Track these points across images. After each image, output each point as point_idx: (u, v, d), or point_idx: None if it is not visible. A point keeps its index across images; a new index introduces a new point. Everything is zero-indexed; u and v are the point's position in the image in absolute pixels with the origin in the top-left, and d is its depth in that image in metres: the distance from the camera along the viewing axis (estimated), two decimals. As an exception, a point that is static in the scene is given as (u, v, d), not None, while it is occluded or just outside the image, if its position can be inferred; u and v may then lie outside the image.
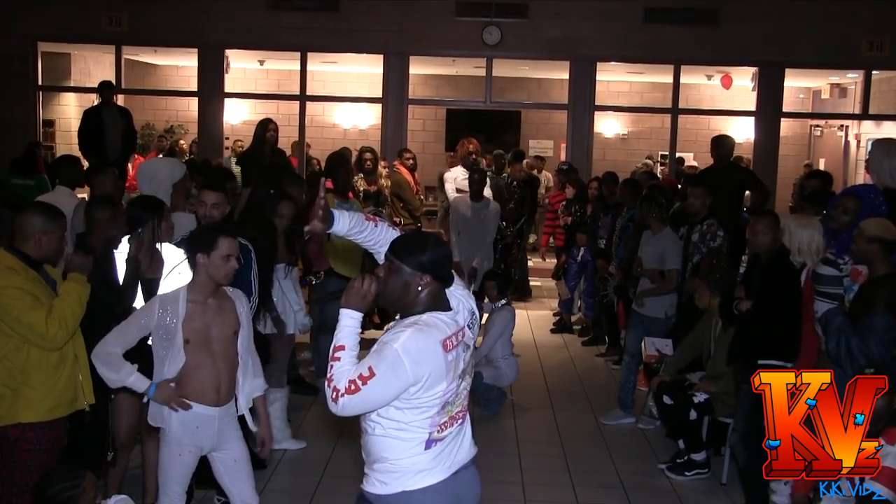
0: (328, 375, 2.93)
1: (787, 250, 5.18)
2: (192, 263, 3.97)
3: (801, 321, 5.06)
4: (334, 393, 2.90)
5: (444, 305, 3.02)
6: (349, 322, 2.99)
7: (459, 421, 3.10)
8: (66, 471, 3.52)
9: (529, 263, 11.89)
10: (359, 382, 2.86)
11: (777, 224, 5.15)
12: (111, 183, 5.99)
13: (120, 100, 11.30)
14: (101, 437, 4.61)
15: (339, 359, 2.93)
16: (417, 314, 2.97)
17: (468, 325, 3.08)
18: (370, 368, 2.86)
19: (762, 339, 5.06)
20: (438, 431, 3.00)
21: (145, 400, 4.02)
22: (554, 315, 10.48)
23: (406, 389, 2.89)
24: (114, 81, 11.68)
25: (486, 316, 7.42)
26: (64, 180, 6.94)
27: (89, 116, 10.50)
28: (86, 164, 9.06)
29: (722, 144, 8.45)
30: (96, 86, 11.24)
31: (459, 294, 3.13)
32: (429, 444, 3.00)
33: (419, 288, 2.96)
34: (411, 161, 10.42)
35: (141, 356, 4.02)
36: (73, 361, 4.15)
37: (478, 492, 3.20)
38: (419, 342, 2.88)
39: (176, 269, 4.63)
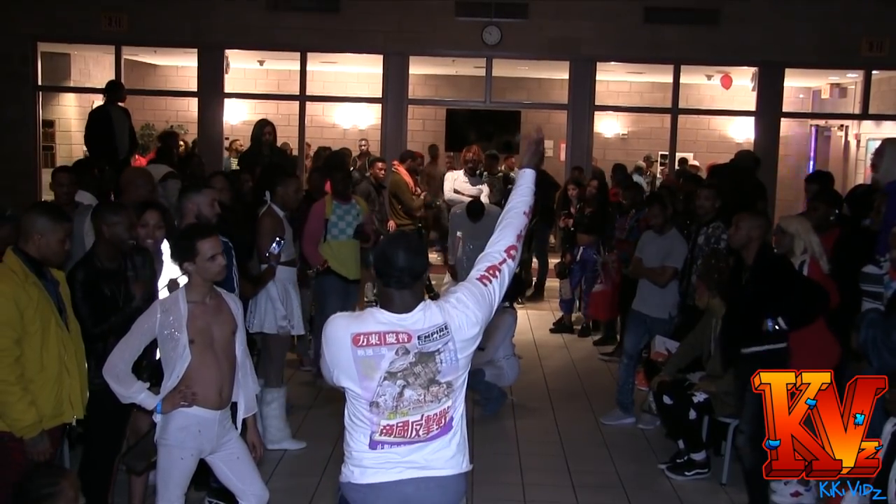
0: None
1: (769, 247, 5.27)
2: (183, 271, 4.07)
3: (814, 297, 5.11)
4: None
5: (392, 305, 3.02)
6: None
7: (424, 435, 3.01)
8: (46, 470, 3.51)
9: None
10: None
11: (764, 225, 5.22)
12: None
13: (120, 100, 11.23)
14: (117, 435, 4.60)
15: None
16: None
17: (423, 337, 2.98)
18: None
19: (751, 329, 5.10)
20: (381, 434, 2.99)
21: (155, 417, 4.03)
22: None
23: (333, 369, 3.02)
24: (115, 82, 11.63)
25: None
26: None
27: (99, 116, 10.15)
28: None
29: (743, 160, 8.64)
30: (98, 86, 11.17)
31: (451, 308, 3.04)
32: (373, 444, 3.01)
33: (370, 282, 3.08)
34: (421, 166, 10.62)
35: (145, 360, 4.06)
36: (58, 375, 4.05)
37: (448, 501, 3.11)
38: (332, 328, 3.03)
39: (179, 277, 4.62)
